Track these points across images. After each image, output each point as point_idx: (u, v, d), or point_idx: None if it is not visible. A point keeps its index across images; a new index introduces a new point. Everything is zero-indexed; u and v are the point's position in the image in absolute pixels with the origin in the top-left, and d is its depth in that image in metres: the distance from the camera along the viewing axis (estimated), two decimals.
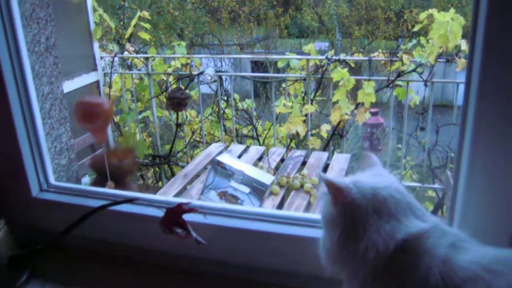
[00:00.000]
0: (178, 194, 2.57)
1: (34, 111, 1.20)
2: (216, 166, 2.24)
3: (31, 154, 1.21)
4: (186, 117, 4.40)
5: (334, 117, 3.43)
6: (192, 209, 1.03)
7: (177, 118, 4.36)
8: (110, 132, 4.64)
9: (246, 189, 2.18)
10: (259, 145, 4.21)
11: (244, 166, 2.28)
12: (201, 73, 3.93)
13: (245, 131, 4.58)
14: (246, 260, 1.06)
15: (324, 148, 3.84)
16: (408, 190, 0.80)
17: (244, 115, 4.38)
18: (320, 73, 3.58)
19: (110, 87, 4.36)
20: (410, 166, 5.84)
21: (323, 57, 3.55)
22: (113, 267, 1.17)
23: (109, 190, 1.24)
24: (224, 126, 4.43)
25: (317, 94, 3.82)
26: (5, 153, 1.20)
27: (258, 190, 2.18)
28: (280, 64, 3.87)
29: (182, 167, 3.66)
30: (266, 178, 2.25)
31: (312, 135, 3.84)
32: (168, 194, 2.53)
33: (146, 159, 4.68)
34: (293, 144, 4.26)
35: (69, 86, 3.84)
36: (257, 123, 4.30)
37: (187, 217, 1.03)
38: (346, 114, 3.39)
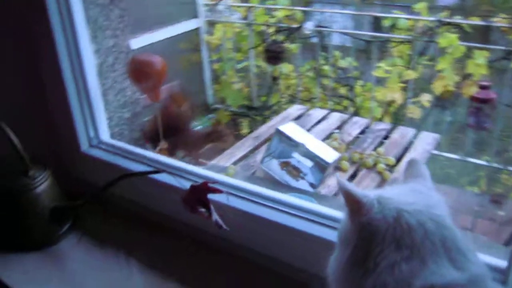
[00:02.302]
0: (244, 156, 2.51)
1: (86, 68, 1.19)
2: (280, 134, 2.13)
3: (81, 111, 1.22)
4: (282, 70, 4.30)
5: (437, 87, 3.10)
6: (217, 189, 0.96)
7: (273, 71, 4.28)
8: (208, 79, 4.72)
9: (309, 163, 2.05)
10: (355, 108, 3.99)
11: (307, 139, 2.12)
12: (300, 27, 3.76)
13: (343, 90, 4.35)
14: (268, 250, 0.98)
15: (423, 120, 3.53)
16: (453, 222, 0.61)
17: (343, 74, 4.15)
18: (429, 36, 3.23)
19: (211, 34, 4.39)
20: None
21: (434, 18, 3.18)
22: (147, 232, 1.15)
23: (153, 155, 1.21)
24: (321, 84, 4.25)
25: (424, 59, 3.46)
26: (56, 108, 1.22)
27: (321, 166, 2.03)
28: (387, 23, 3.56)
29: None
30: (329, 155, 2.07)
31: (413, 103, 3.54)
32: (234, 155, 2.48)
33: (241, 109, 4.71)
34: (391, 109, 3.98)
35: (169, 32, 3.93)
36: (355, 84, 4.05)
37: (215, 196, 0.97)
38: (449, 85, 3.03)
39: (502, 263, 0.78)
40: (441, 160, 4.41)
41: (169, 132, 1.78)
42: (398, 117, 4.39)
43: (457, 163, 3.83)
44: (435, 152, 3.58)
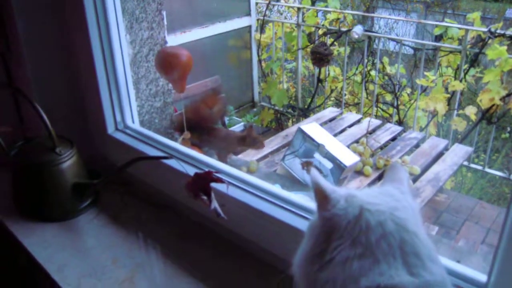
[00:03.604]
0: (271, 153, 2.55)
1: (116, 58, 1.27)
2: (302, 134, 2.14)
3: (110, 97, 1.30)
4: (328, 73, 4.29)
5: (483, 100, 2.99)
6: (219, 179, 1.00)
7: (319, 73, 4.29)
8: (256, 77, 4.78)
9: (329, 165, 2.05)
10: (399, 116, 3.93)
11: (327, 140, 2.12)
12: (349, 30, 3.75)
13: (388, 97, 4.30)
14: (263, 242, 1.02)
15: (468, 134, 3.42)
16: (419, 228, 0.60)
17: (389, 81, 4.09)
18: (479, 48, 3.13)
19: (261, 33, 4.44)
20: None
21: (485, 29, 3.08)
22: (158, 215, 1.22)
23: (171, 142, 1.27)
24: (367, 89, 4.22)
25: (475, 70, 3.35)
26: (87, 93, 1.32)
27: (339, 168, 2.03)
28: (437, 32, 3.47)
29: None
30: (347, 158, 2.06)
31: (458, 115, 3.44)
32: (261, 152, 2.52)
33: (286, 108, 4.75)
34: (438, 119, 3.89)
35: (220, 28, 4.02)
36: (400, 92, 3.98)
37: (218, 185, 1.02)
38: (496, 99, 2.92)
39: (483, 277, 0.78)
40: (490, 177, 4.26)
41: (194, 127, 1.85)
42: (441, 128, 4.29)
43: (500, 181, 3.70)
44: (479, 167, 3.47)
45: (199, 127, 1.86)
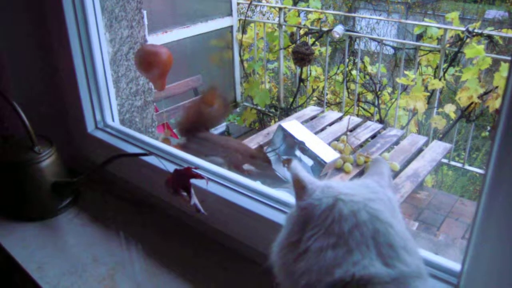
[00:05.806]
0: None
1: (95, 57, 1.27)
2: (282, 131, 2.15)
3: (89, 95, 1.30)
4: (310, 73, 4.31)
5: (462, 98, 3.04)
6: (199, 175, 1.01)
7: (301, 72, 4.31)
8: (238, 77, 4.79)
9: (310, 162, 2.07)
10: (380, 115, 3.97)
11: (308, 137, 2.13)
12: (330, 30, 3.78)
13: (370, 96, 4.34)
14: (247, 239, 1.02)
15: (447, 132, 3.48)
16: (395, 220, 0.59)
17: (370, 80, 4.13)
18: (457, 47, 3.18)
19: (243, 33, 4.45)
20: None
21: (463, 28, 3.13)
22: (138, 211, 1.22)
23: (151, 140, 1.27)
24: (348, 88, 4.25)
25: (454, 69, 3.41)
26: (67, 91, 1.31)
27: (320, 165, 2.04)
28: (417, 31, 3.52)
29: None
30: (327, 154, 2.08)
31: (438, 113, 3.49)
32: None
33: (267, 109, 4.76)
34: (419, 118, 3.94)
35: (202, 28, 4.02)
36: (381, 91, 4.02)
37: (198, 181, 1.02)
38: (474, 97, 2.98)
39: (457, 266, 0.80)
40: (471, 174, 4.33)
41: (193, 127, 1.82)
42: (422, 126, 4.35)
43: (481, 178, 3.76)
44: (459, 165, 3.53)
45: (202, 128, 1.82)
